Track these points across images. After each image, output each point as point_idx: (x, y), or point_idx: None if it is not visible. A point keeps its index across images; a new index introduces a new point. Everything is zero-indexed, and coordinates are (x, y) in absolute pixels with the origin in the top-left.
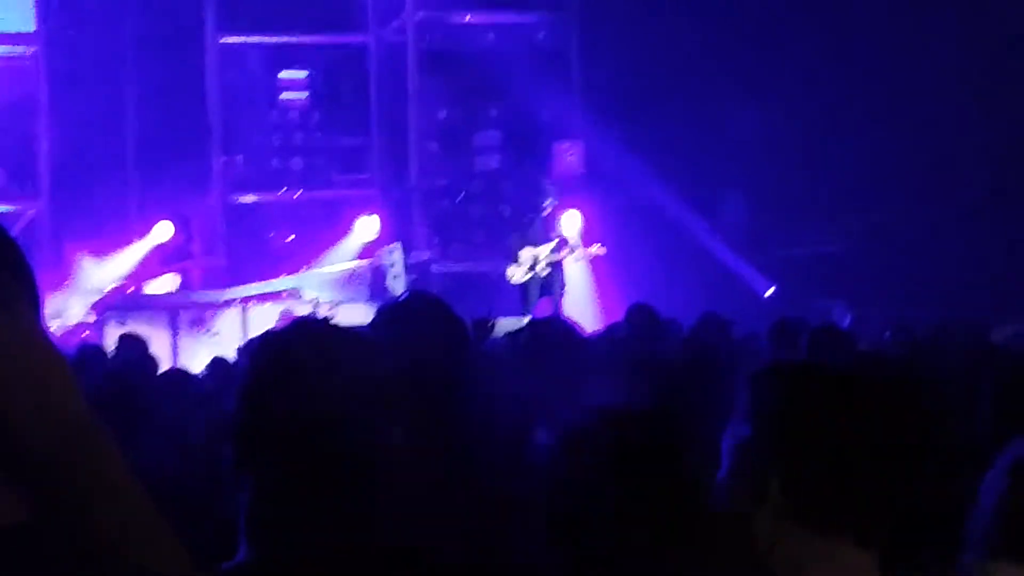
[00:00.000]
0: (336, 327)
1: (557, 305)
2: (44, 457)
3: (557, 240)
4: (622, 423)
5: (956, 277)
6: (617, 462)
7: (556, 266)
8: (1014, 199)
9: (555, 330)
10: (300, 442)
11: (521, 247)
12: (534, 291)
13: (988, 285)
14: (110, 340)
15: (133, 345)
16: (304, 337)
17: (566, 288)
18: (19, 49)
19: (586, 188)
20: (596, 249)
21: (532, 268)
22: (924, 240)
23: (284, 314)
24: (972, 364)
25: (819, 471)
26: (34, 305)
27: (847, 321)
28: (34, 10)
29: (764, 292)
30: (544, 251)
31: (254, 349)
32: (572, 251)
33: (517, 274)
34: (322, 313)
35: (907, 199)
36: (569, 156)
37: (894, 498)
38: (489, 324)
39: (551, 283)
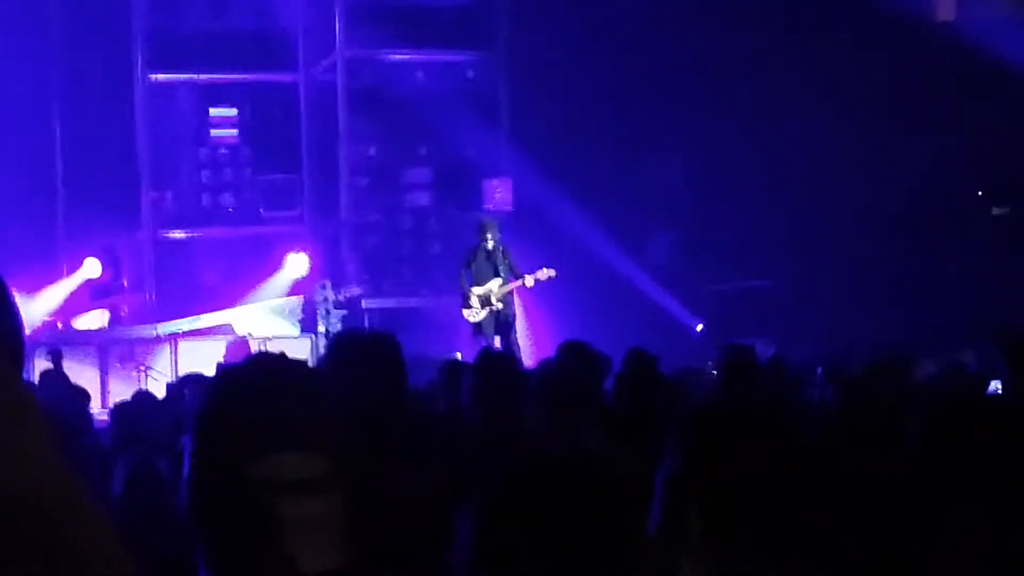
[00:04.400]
0: (291, 361)
1: (512, 337)
2: (22, 504)
3: (509, 273)
4: (545, 469)
5: (881, 311)
6: (542, 509)
7: (509, 297)
8: (934, 234)
9: (499, 364)
10: (244, 464)
11: (470, 284)
12: (489, 327)
13: (911, 319)
14: (38, 375)
15: (56, 381)
16: (262, 371)
17: (518, 318)
18: None
19: (516, 224)
20: (545, 273)
21: (487, 304)
22: (849, 275)
23: (230, 345)
24: (897, 403)
25: (738, 511)
26: (11, 353)
27: (769, 356)
28: None
29: (693, 328)
30: (493, 286)
31: (211, 384)
32: (522, 280)
33: (474, 315)
34: (255, 348)
35: (830, 236)
36: (498, 193)
37: (814, 535)
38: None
39: (506, 316)
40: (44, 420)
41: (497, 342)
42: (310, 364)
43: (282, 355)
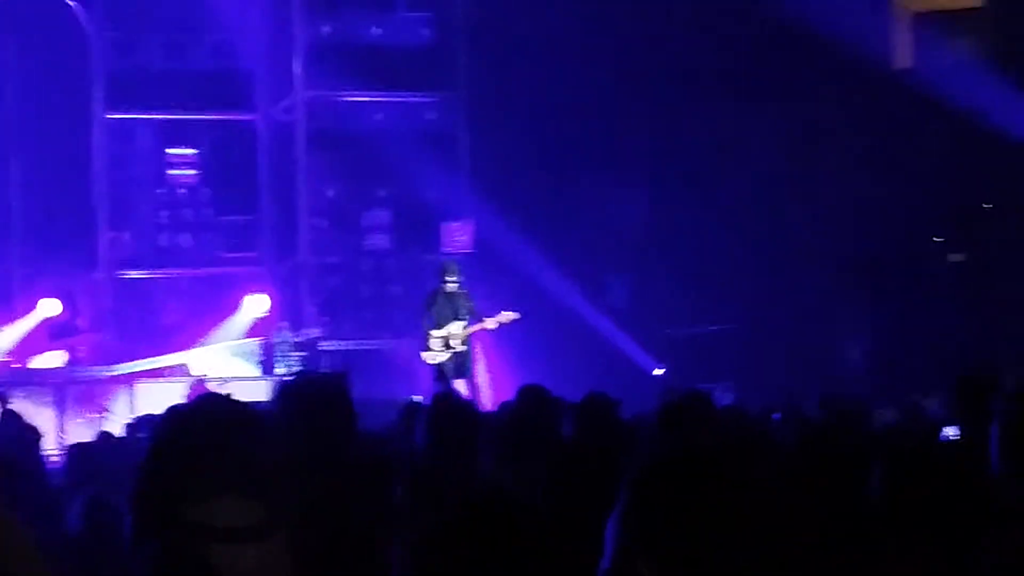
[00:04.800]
0: (239, 404)
1: (473, 381)
2: None
3: (469, 315)
4: (489, 514)
5: (841, 356)
6: (475, 546)
7: (469, 341)
8: (892, 279)
9: (454, 407)
10: (180, 508)
11: (431, 326)
12: (450, 370)
13: (872, 364)
14: None
15: (10, 421)
16: (207, 413)
17: (477, 363)
18: None
19: (477, 266)
20: (508, 316)
21: (447, 347)
22: (809, 320)
23: (193, 387)
24: (858, 443)
25: (688, 558)
26: None
27: (728, 401)
28: None
29: (652, 371)
30: (456, 328)
31: (156, 423)
32: (482, 323)
33: (434, 357)
34: (212, 389)
35: (790, 280)
36: (459, 236)
37: None
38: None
39: (465, 359)
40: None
41: (461, 385)
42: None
43: (228, 398)
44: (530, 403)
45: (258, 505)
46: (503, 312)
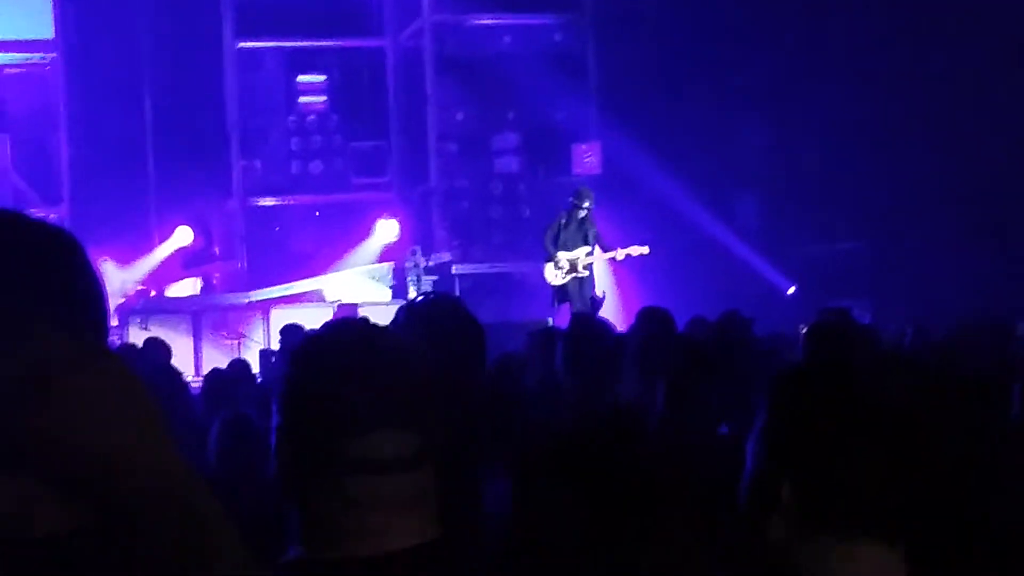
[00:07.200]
0: (378, 328)
1: (596, 305)
2: (146, 499)
3: (596, 243)
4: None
5: (976, 276)
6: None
7: (591, 267)
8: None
9: (594, 329)
10: (340, 443)
11: (556, 248)
12: (568, 293)
13: (1009, 284)
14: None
15: (159, 350)
16: (348, 337)
17: (597, 288)
18: (37, 56)
19: (605, 189)
20: (637, 249)
21: (572, 270)
22: (944, 239)
23: (338, 311)
24: (999, 362)
25: (832, 474)
26: (94, 321)
27: (867, 320)
28: (52, 17)
29: (785, 291)
30: (581, 254)
31: (298, 350)
32: (613, 252)
33: (557, 276)
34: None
35: (922, 200)
36: (587, 158)
37: (915, 497)
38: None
39: (587, 284)
40: (157, 406)
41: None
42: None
43: (367, 322)
44: (649, 325)
45: (413, 436)
46: (633, 245)
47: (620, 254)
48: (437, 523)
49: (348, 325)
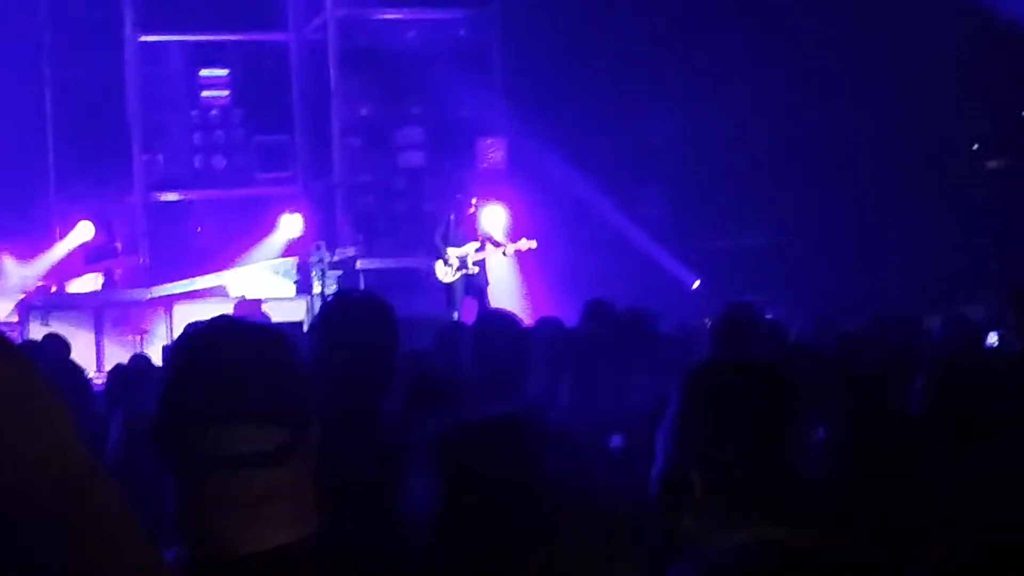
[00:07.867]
0: (257, 323)
1: (484, 301)
2: (53, 500)
3: (483, 238)
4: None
5: (884, 271)
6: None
7: (482, 263)
8: (938, 192)
9: (502, 324)
10: (196, 436)
11: (446, 246)
12: (460, 289)
13: (910, 278)
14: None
15: (58, 346)
16: (217, 332)
17: (490, 284)
18: None
19: (510, 183)
20: (525, 244)
21: (462, 267)
22: (850, 235)
23: (238, 306)
24: (904, 356)
25: (738, 466)
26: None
27: (772, 314)
28: None
29: (690, 285)
30: (471, 249)
31: (172, 347)
32: (501, 247)
33: (447, 273)
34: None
35: (826, 192)
36: (492, 152)
37: (817, 489)
38: None
39: (478, 280)
40: (70, 416)
41: (471, 304)
42: (305, 326)
43: (246, 319)
44: (600, 317)
45: (277, 430)
46: (522, 239)
47: (509, 249)
48: (311, 520)
49: (222, 321)
